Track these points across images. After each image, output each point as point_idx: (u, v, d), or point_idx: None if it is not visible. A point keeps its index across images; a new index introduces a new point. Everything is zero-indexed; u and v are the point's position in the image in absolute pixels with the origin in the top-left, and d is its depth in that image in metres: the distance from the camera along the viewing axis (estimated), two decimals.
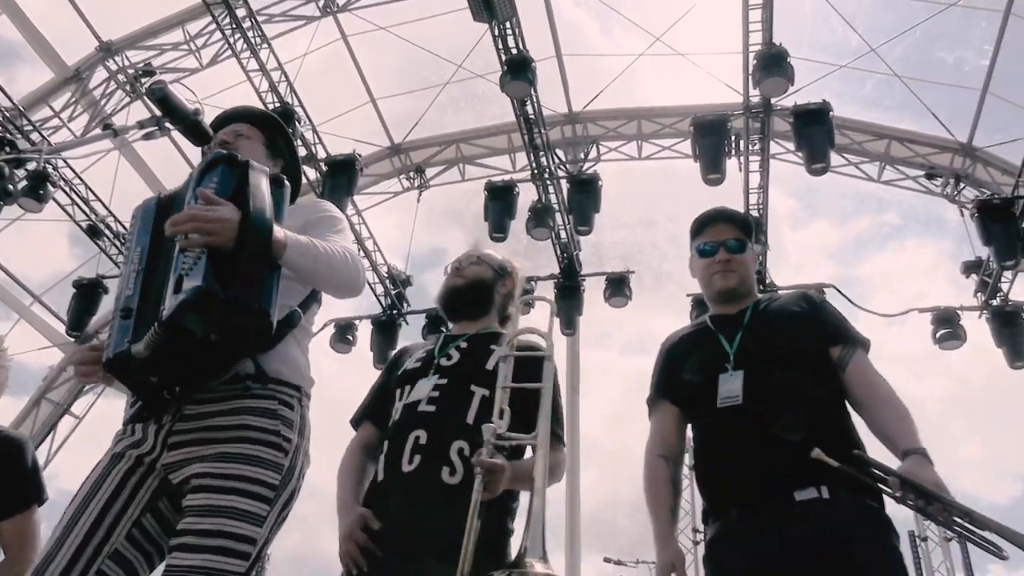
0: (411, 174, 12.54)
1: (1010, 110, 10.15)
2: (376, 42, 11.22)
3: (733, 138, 9.85)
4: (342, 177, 10.29)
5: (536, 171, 10.38)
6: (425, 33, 10.98)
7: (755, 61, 8.81)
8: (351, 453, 2.81)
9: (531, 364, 2.39)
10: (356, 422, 2.90)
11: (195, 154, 2.34)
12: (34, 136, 9.75)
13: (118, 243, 10.83)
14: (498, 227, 10.23)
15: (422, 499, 2.41)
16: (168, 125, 2.35)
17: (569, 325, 11.11)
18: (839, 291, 10.38)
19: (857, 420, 2.54)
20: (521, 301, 2.76)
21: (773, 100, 9.39)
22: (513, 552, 2.02)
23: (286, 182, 2.25)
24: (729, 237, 2.81)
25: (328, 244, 2.23)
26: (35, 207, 9.76)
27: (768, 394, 2.48)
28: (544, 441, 2.12)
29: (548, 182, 10.49)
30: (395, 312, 12.09)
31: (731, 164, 9.79)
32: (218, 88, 10.51)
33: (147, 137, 2.35)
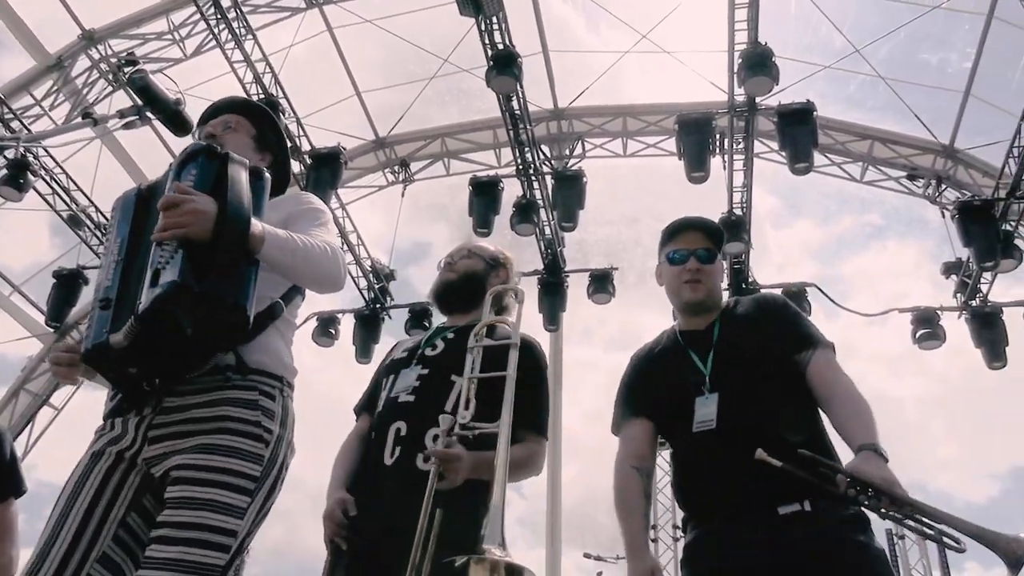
0: (396, 168, 12.51)
1: (992, 113, 10.25)
2: (362, 35, 11.19)
3: (717, 136, 9.89)
4: (326, 170, 10.26)
5: (521, 167, 10.38)
6: (411, 27, 10.95)
7: (740, 60, 8.83)
8: (347, 442, 2.83)
9: (507, 354, 2.39)
10: (356, 413, 2.92)
11: (177, 144, 2.32)
12: (14, 124, 9.65)
13: (99, 233, 10.75)
14: (482, 222, 10.23)
15: (401, 489, 2.42)
16: (149, 114, 2.33)
17: (552, 321, 11.12)
18: (821, 290, 10.46)
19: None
20: (491, 293, 2.74)
21: (758, 99, 9.42)
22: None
23: (266, 174, 2.22)
24: (700, 246, 2.78)
25: (308, 238, 2.21)
26: (15, 196, 9.66)
27: (744, 417, 2.46)
28: (504, 430, 2.11)
29: (533, 178, 10.49)
30: (378, 306, 12.07)
31: (715, 162, 9.83)
32: (202, 79, 10.45)
33: (128, 126, 2.34)
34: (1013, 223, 9.68)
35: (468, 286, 2.91)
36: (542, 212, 10.71)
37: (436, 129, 12.55)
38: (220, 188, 2.05)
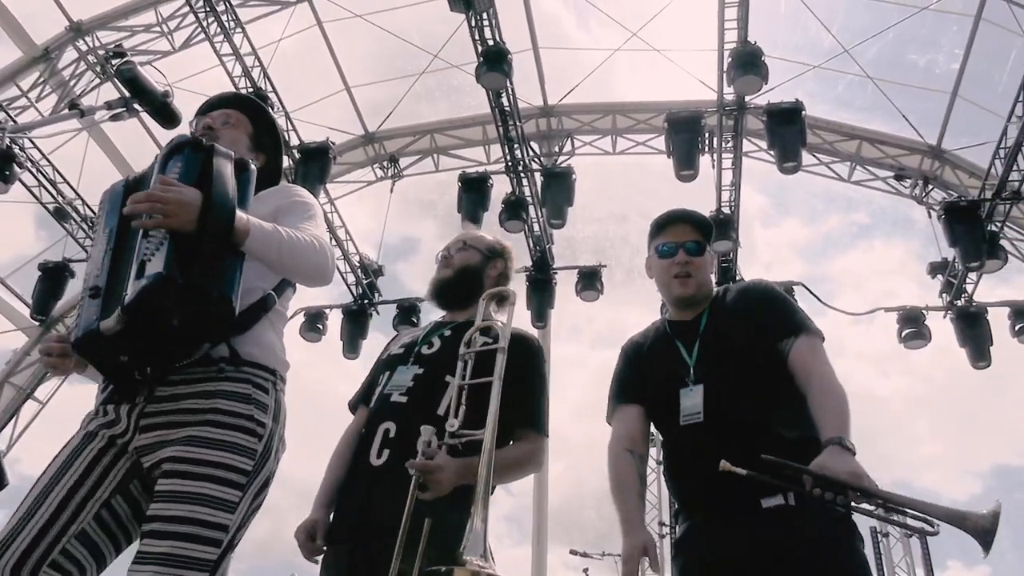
0: (385, 163, 12.48)
1: (979, 114, 10.30)
2: (352, 29, 11.15)
3: (707, 135, 9.92)
4: (315, 165, 10.23)
5: (510, 163, 10.38)
6: (401, 22, 10.93)
7: (730, 59, 8.86)
8: (343, 440, 2.79)
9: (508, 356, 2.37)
10: (352, 407, 2.89)
11: (165, 137, 2.31)
12: (0, 116, 9.57)
13: (85, 226, 10.69)
14: (471, 218, 10.22)
15: (388, 492, 2.39)
16: (137, 106, 2.32)
17: (540, 318, 11.13)
18: (807, 289, 10.50)
19: None
20: (483, 298, 2.68)
21: (747, 98, 9.46)
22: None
23: (251, 166, 2.22)
24: (689, 239, 2.78)
25: (295, 232, 2.21)
26: (0, 188, 9.59)
27: (729, 410, 2.47)
28: (488, 438, 2.09)
29: (522, 175, 10.49)
30: (366, 302, 12.05)
31: (704, 161, 9.87)
32: (190, 72, 10.39)
33: (115, 118, 2.33)
34: (999, 224, 9.75)
35: (464, 281, 2.86)
36: (531, 209, 10.72)
37: (425, 125, 12.52)
38: (205, 180, 2.05)
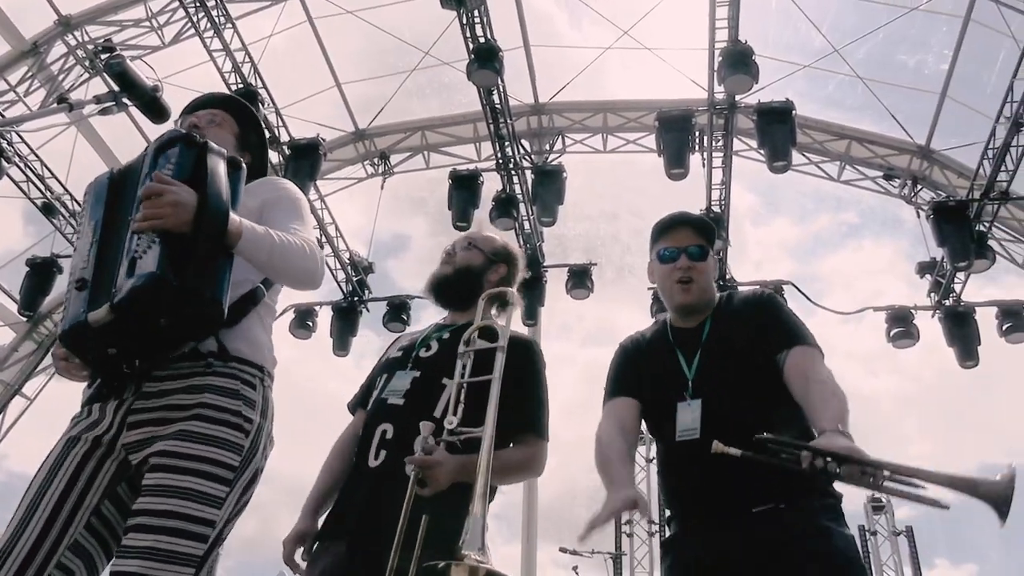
0: (375, 160, 12.45)
1: (967, 114, 10.34)
2: (342, 26, 11.11)
3: (697, 134, 9.94)
4: (305, 162, 10.20)
5: (501, 161, 10.38)
6: (392, 18, 10.89)
7: (720, 58, 8.87)
8: (339, 443, 2.78)
9: (506, 358, 2.36)
10: (351, 409, 2.87)
11: (154, 132, 2.30)
12: None
13: (74, 222, 10.63)
14: (462, 216, 10.21)
15: (384, 492, 2.38)
16: (126, 101, 2.31)
17: (531, 316, 11.13)
18: (797, 288, 10.54)
19: None
20: (483, 298, 2.64)
21: (737, 97, 9.47)
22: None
23: (243, 165, 2.21)
24: (691, 243, 2.72)
25: (286, 235, 2.20)
26: None
27: (727, 428, 2.34)
28: (487, 436, 2.08)
29: (513, 172, 10.49)
30: (356, 299, 12.02)
31: (694, 159, 9.89)
32: (180, 67, 10.34)
33: (104, 112, 2.32)
34: (987, 224, 9.80)
35: (463, 281, 2.79)
36: (521, 207, 10.71)
37: (416, 122, 12.50)
38: (198, 178, 2.04)
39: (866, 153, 11.36)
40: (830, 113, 11.46)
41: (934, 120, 10.78)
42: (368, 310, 12.12)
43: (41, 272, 10.94)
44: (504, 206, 10.50)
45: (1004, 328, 10.21)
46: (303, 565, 2.55)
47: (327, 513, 2.61)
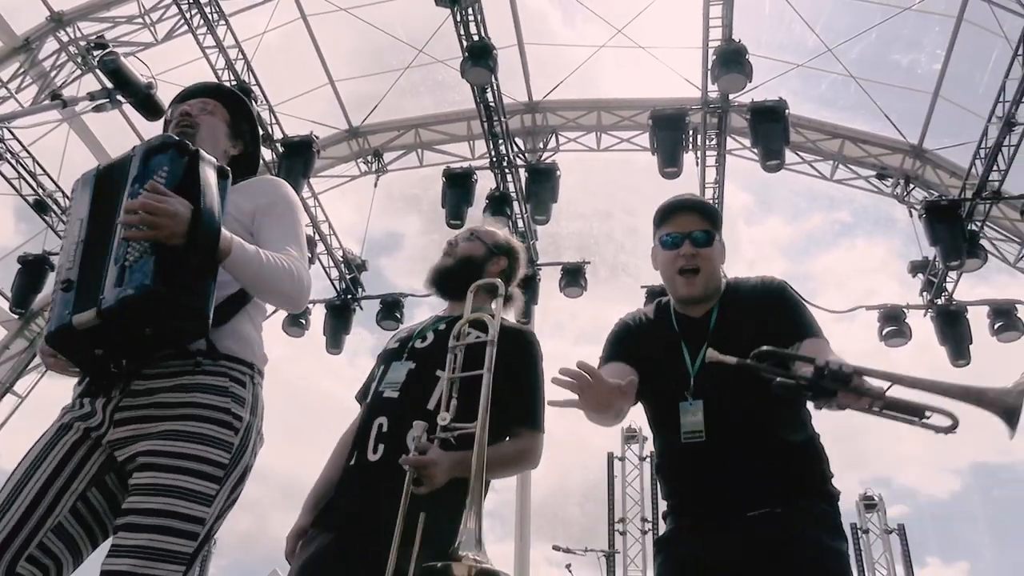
0: (369, 158, 12.44)
1: (960, 114, 10.38)
2: (336, 23, 11.09)
3: (691, 132, 9.96)
4: (298, 159, 10.19)
5: (495, 159, 10.38)
6: (386, 16, 10.88)
7: (714, 57, 8.89)
8: (340, 441, 2.77)
9: (501, 346, 2.34)
10: (359, 400, 2.84)
11: (147, 128, 2.29)
12: None
13: (65, 219, 10.58)
14: (455, 214, 10.21)
15: (383, 488, 2.37)
16: (119, 98, 2.30)
17: (524, 314, 11.06)
18: (790, 287, 10.54)
19: (829, 446, 2.45)
20: (471, 289, 2.60)
21: (731, 96, 9.49)
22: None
23: (229, 174, 2.20)
24: (695, 229, 2.55)
25: (276, 257, 2.19)
26: None
27: (732, 432, 2.33)
28: (480, 431, 2.08)
29: (506, 170, 10.49)
30: (349, 297, 12.01)
31: (688, 158, 9.91)
32: (173, 64, 10.30)
33: (97, 109, 2.31)
34: (979, 223, 9.85)
35: (464, 272, 2.74)
36: (515, 205, 10.72)
37: (410, 120, 12.50)
38: (190, 187, 2.03)
39: (859, 152, 11.39)
40: (823, 112, 11.51)
41: (927, 120, 10.83)
42: (361, 308, 12.13)
43: (33, 269, 10.90)
44: (498, 204, 10.50)
45: (996, 327, 10.25)
46: None
47: (323, 505, 2.60)
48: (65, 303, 2.01)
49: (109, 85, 2.29)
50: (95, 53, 9.85)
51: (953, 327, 10.35)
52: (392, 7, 10.78)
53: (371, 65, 11.90)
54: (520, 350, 2.62)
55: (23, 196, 10.51)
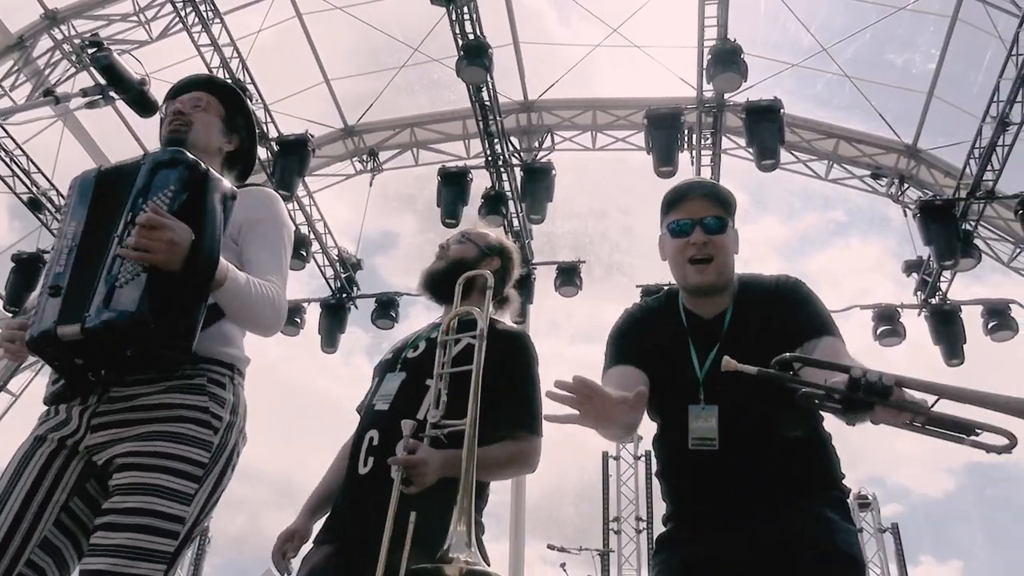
0: (364, 157, 12.43)
1: (954, 114, 10.41)
2: (331, 21, 11.07)
3: (686, 132, 9.96)
4: (293, 158, 10.16)
5: (490, 158, 10.37)
6: (382, 14, 10.87)
7: (709, 56, 8.89)
8: (342, 449, 2.76)
9: (496, 347, 2.33)
10: (359, 412, 2.81)
11: (141, 126, 2.28)
12: None
13: (60, 217, 10.55)
14: (450, 213, 10.19)
15: (371, 502, 2.36)
16: (113, 95, 2.28)
17: (519, 313, 11.08)
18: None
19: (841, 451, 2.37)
20: (459, 283, 2.56)
21: (726, 96, 9.50)
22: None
23: (236, 195, 2.18)
24: (707, 215, 2.35)
25: (262, 288, 2.18)
26: None
27: (742, 437, 2.21)
28: (470, 429, 2.05)
29: (502, 169, 10.49)
30: (344, 296, 12.00)
31: (683, 157, 9.90)
32: (168, 62, 10.28)
33: (91, 106, 2.29)
34: (973, 223, 9.86)
35: (456, 275, 2.65)
36: (510, 204, 10.71)
37: (405, 119, 12.49)
38: (194, 211, 2.01)
39: (854, 152, 11.42)
40: (818, 112, 11.54)
41: (921, 119, 10.85)
42: (356, 307, 12.12)
43: (27, 268, 10.86)
44: (493, 203, 10.49)
45: (989, 326, 10.27)
46: (292, 565, 2.55)
47: (324, 518, 2.60)
48: (51, 309, 1.99)
49: (102, 82, 2.28)
50: (89, 51, 9.81)
51: (947, 326, 10.37)
52: (387, 6, 10.77)
53: (366, 64, 11.90)
54: (515, 351, 2.60)
55: (17, 194, 10.48)
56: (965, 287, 10.85)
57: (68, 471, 2.06)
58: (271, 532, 2.62)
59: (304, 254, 11.17)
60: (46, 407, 2.18)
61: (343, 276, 12.02)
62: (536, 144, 11.75)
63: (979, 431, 1.70)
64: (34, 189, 10.53)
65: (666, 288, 2.57)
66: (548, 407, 1.92)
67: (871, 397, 1.70)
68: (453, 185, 10.38)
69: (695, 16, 8.96)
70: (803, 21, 10.46)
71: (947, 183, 10.65)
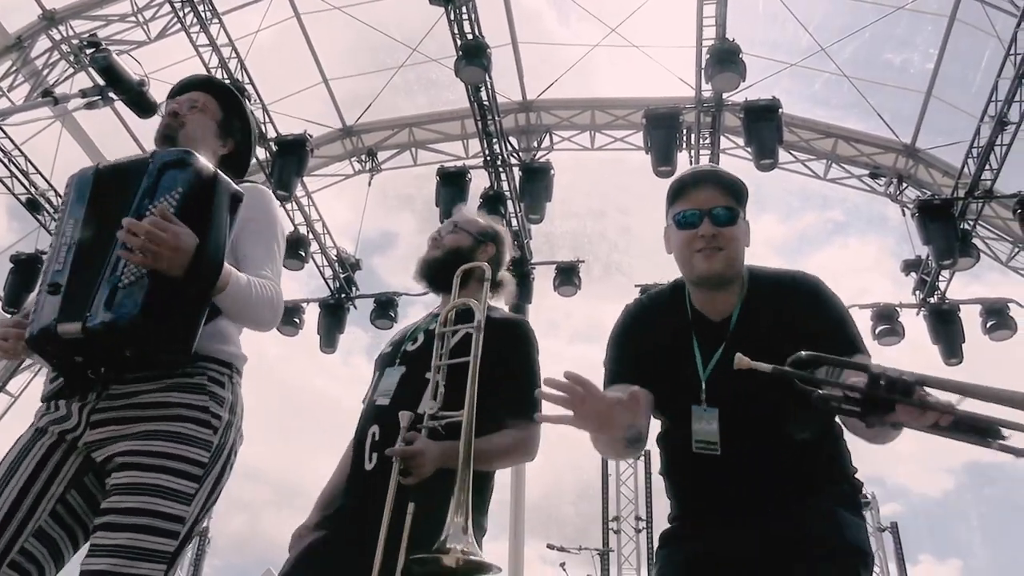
0: (363, 157, 12.42)
1: (952, 113, 10.41)
2: (330, 21, 11.07)
3: (684, 131, 9.96)
4: (292, 158, 10.16)
5: (489, 158, 10.37)
6: (380, 14, 10.87)
7: (708, 56, 8.89)
8: (348, 447, 2.75)
9: (494, 336, 2.34)
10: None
11: (140, 126, 2.28)
12: None
13: (57, 217, 10.54)
14: (449, 213, 10.16)
15: (377, 496, 2.35)
16: (112, 95, 2.29)
17: (518, 312, 11.10)
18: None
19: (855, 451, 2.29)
20: (458, 274, 2.59)
21: (724, 95, 9.50)
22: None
23: (243, 198, 2.18)
24: (716, 205, 2.21)
25: (262, 286, 2.19)
26: None
27: (747, 438, 2.13)
28: (467, 419, 2.07)
29: (501, 169, 10.48)
30: (343, 296, 12.00)
31: (682, 157, 9.90)
32: (166, 63, 10.27)
33: (90, 106, 2.29)
34: (971, 222, 9.87)
35: (453, 263, 2.70)
36: (509, 204, 10.70)
37: (404, 119, 12.48)
38: (200, 214, 2.01)
39: (852, 151, 11.42)
40: (816, 111, 11.54)
41: (919, 119, 10.85)
42: (355, 307, 12.12)
43: (25, 268, 10.85)
44: (492, 203, 10.48)
45: (988, 326, 10.28)
46: None
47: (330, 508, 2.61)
48: (51, 307, 1.99)
49: (101, 82, 2.28)
50: (88, 51, 9.82)
51: (946, 326, 10.38)
52: (386, 6, 10.77)
53: (365, 64, 11.89)
54: (513, 339, 2.60)
55: (15, 195, 10.48)
56: (963, 286, 10.88)
57: (66, 464, 2.07)
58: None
59: (303, 254, 11.18)
60: (43, 403, 2.17)
61: (342, 276, 12.02)
62: (535, 144, 11.76)
63: (1008, 433, 1.58)
64: (32, 190, 10.52)
65: (672, 281, 2.46)
66: (543, 407, 1.88)
67: (893, 395, 1.61)
68: (452, 185, 10.37)
69: (694, 16, 8.96)
70: (801, 21, 10.48)
71: (945, 182, 10.66)
